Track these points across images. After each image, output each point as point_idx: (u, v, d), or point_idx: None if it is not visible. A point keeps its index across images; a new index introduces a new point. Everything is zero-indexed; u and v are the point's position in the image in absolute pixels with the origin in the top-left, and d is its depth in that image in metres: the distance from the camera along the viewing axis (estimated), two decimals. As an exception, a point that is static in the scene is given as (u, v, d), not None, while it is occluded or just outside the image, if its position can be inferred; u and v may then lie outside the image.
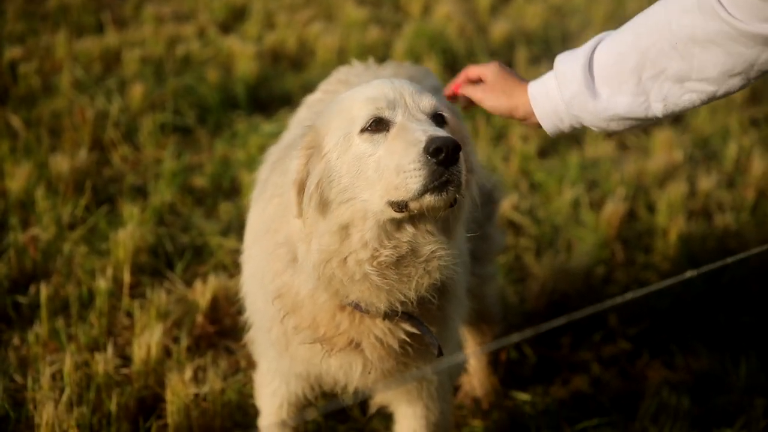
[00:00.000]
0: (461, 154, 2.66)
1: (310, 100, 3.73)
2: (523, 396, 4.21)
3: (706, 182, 5.65)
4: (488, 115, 6.33)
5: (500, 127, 6.29)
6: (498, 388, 4.23)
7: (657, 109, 2.75)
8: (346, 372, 3.10)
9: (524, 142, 6.12)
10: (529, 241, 5.16)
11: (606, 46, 2.81)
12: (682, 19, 2.64)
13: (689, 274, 2.66)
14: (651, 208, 5.50)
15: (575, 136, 6.32)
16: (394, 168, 2.66)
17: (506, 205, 5.28)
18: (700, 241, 5.15)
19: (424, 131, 2.68)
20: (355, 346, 3.02)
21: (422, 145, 2.63)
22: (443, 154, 2.61)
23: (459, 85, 3.25)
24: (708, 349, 4.47)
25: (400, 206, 2.70)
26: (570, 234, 5.23)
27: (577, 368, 4.46)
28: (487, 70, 3.07)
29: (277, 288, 3.02)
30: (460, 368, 3.76)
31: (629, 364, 4.49)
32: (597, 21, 8.10)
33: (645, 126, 2.90)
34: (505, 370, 4.35)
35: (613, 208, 5.26)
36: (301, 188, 2.80)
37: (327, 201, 2.77)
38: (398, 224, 2.79)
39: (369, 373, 3.08)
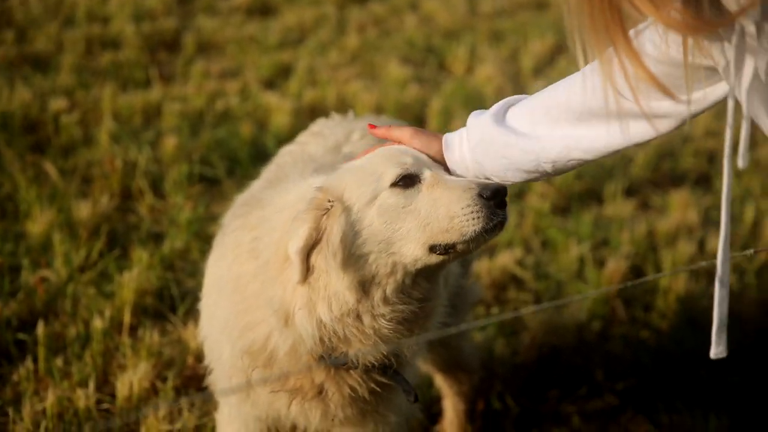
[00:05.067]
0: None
1: (283, 151, 3.88)
2: (497, 446, 4.28)
3: (716, 243, 5.64)
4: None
5: (522, 184, 6.37)
6: (473, 438, 4.30)
7: (547, 168, 2.86)
8: (306, 416, 3.20)
9: (542, 199, 6.20)
10: (528, 295, 5.23)
11: (520, 106, 2.93)
12: (579, 95, 2.76)
13: (529, 309, 2.71)
14: (658, 268, 5.52)
15: (596, 194, 6.38)
16: (445, 214, 2.83)
17: (509, 260, 5.37)
18: (699, 301, 5.16)
19: (467, 179, 2.90)
20: (323, 395, 3.14)
21: (476, 190, 2.83)
22: (500, 197, 2.84)
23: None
24: (689, 408, 4.48)
25: (446, 249, 2.86)
26: (571, 290, 5.29)
27: (560, 421, 4.50)
28: (405, 131, 3.10)
29: (247, 344, 3.12)
30: (416, 411, 3.83)
31: (613, 420, 4.52)
32: (638, 83, 8.14)
33: (539, 179, 2.99)
34: (483, 420, 4.42)
35: (616, 266, 5.30)
36: (306, 254, 2.90)
37: (350, 255, 2.88)
38: (415, 279, 2.94)
39: (332, 419, 3.19)
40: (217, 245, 3.49)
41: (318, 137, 3.81)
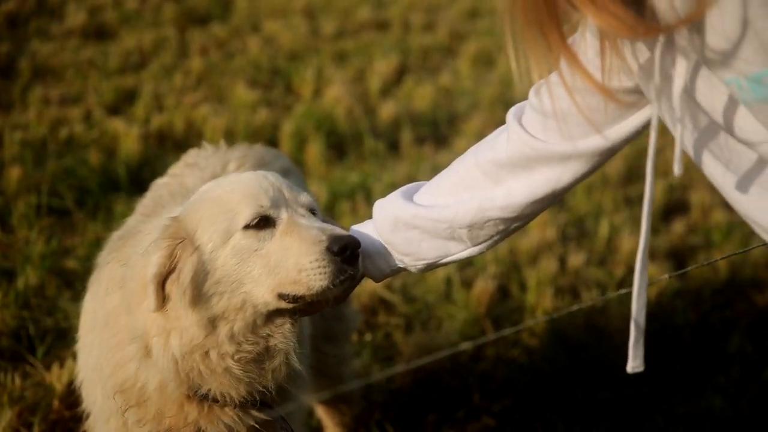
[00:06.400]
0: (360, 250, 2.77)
1: (157, 184, 3.74)
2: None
3: (576, 260, 5.76)
4: (367, 195, 6.41)
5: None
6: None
7: (463, 235, 2.79)
8: (189, 459, 3.07)
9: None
10: (399, 319, 5.20)
11: (426, 186, 2.89)
12: (488, 153, 2.72)
13: (464, 345, 2.67)
14: (523, 286, 5.58)
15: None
16: (294, 266, 2.73)
17: (377, 285, 5.32)
18: (567, 318, 5.22)
19: (321, 229, 2.77)
20: (201, 435, 3.01)
21: (325, 244, 2.72)
22: (348, 252, 2.71)
23: None
24: (565, 424, 4.52)
25: (295, 299, 2.76)
26: (441, 312, 5.28)
27: (440, 446, 4.48)
28: None
29: (119, 383, 2.98)
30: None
31: (492, 442, 4.53)
32: (484, 103, 8.27)
33: (460, 257, 2.92)
34: (365, 449, 4.36)
35: (483, 286, 5.33)
36: (161, 281, 2.79)
37: (200, 294, 2.78)
38: (268, 318, 2.83)
39: (215, 461, 3.06)
40: (92, 283, 3.33)
41: (193, 169, 3.69)
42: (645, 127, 2.48)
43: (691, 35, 2.04)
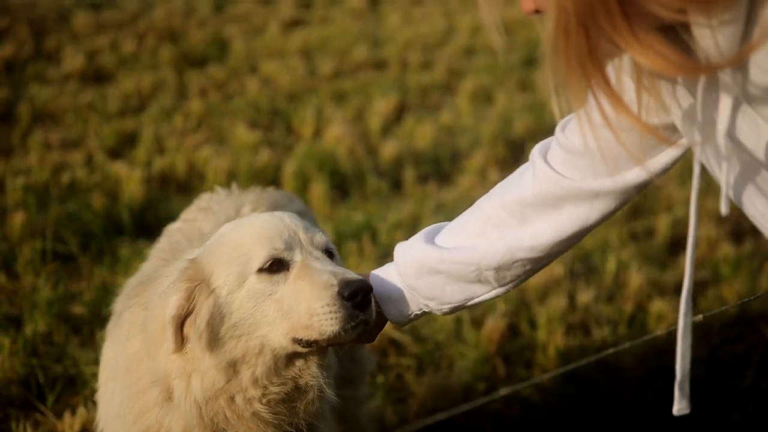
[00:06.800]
0: (372, 295, 2.76)
1: (171, 229, 3.72)
2: None
3: (585, 296, 5.73)
4: (373, 235, 6.39)
5: (386, 245, 6.34)
6: None
7: (490, 276, 2.77)
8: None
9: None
10: (410, 359, 5.16)
11: (448, 227, 2.88)
12: (513, 192, 2.71)
13: (503, 391, 2.64)
14: (533, 323, 5.55)
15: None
16: (305, 310, 2.72)
17: (386, 324, 5.27)
18: (578, 355, 5.19)
19: (333, 273, 2.76)
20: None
21: (335, 288, 2.71)
22: (359, 297, 2.70)
23: None
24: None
25: (309, 343, 2.76)
26: (451, 351, 5.25)
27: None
28: None
29: (142, 430, 2.97)
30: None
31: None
32: (485, 140, 8.27)
33: (484, 299, 2.91)
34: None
35: (494, 324, 5.30)
36: (179, 323, 2.78)
37: (217, 337, 2.77)
38: (289, 360, 2.83)
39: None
40: (111, 330, 3.31)
41: (207, 213, 3.68)
42: (680, 158, 2.47)
43: (734, 72, 2.02)
